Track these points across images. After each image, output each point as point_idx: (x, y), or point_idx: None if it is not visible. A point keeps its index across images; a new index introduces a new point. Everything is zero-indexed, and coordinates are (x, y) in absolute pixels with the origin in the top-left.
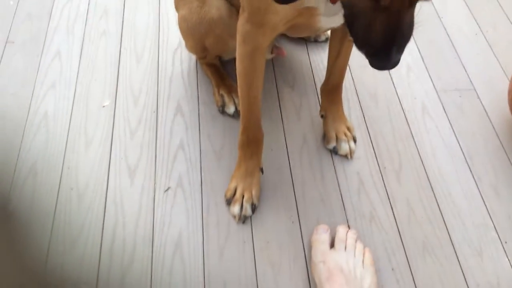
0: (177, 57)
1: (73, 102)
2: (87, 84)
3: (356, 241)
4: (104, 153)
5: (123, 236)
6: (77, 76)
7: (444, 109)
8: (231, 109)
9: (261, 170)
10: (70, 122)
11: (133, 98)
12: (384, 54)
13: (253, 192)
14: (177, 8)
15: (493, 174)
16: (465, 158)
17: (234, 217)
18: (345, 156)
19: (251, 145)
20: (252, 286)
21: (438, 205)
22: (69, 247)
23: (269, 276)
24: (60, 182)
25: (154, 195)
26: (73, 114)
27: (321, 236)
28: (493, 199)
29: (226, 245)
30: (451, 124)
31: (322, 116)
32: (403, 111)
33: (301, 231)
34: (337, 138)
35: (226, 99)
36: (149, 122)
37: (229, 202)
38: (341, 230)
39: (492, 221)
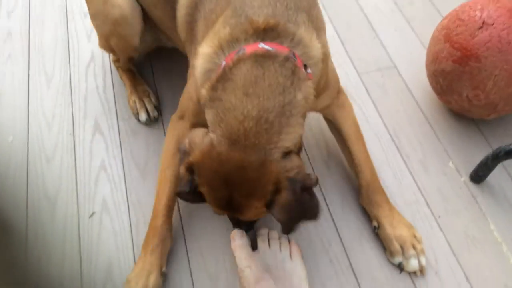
0: (90, 72)
1: None
2: None
3: (279, 238)
4: (21, 184)
5: (48, 272)
6: None
7: (367, 91)
8: (142, 116)
9: (163, 273)
10: None
11: (46, 122)
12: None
13: None
14: (86, 3)
15: (420, 149)
16: (392, 138)
17: None
18: (413, 273)
19: (154, 238)
20: None
21: None
22: None
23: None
24: None
25: (79, 223)
26: None
27: (240, 242)
28: (422, 175)
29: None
30: (375, 106)
31: (376, 228)
32: None
33: None
34: (403, 251)
35: (138, 105)
36: (66, 146)
37: None
38: (262, 231)
39: (424, 197)
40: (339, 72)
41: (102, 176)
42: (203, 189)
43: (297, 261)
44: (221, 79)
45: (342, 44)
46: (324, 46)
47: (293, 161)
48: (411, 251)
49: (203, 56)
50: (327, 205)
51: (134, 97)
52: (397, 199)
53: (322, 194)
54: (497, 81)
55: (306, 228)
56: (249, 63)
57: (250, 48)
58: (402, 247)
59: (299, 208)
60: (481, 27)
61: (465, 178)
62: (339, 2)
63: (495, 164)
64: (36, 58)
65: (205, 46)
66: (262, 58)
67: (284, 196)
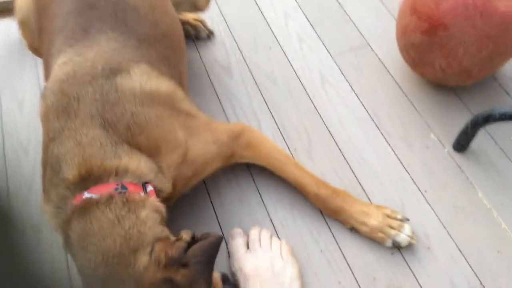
0: None
1: None
2: None
3: (270, 237)
4: (1, 213)
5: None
6: None
7: (342, 73)
8: None
9: None
10: None
11: (23, 149)
12: None
13: None
14: None
15: (401, 125)
16: (371, 117)
17: None
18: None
19: None
20: None
21: (353, 172)
22: None
23: None
24: None
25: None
26: None
27: (237, 241)
28: (405, 151)
29: None
30: (351, 86)
31: (352, 229)
32: (303, 85)
33: (224, 237)
34: (387, 236)
35: None
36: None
37: None
38: (253, 232)
39: (409, 173)
40: (313, 56)
41: None
42: None
43: (288, 260)
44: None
45: (313, 28)
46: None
47: (156, 254)
48: (392, 232)
49: (49, 214)
50: None
51: None
52: (383, 179)
53: None
54: (467, 48)
55: (294, 220)
56: (75, 220)
57: (77, 199)
58: (383, 233)
59: (201, 259)
60: None
61: (449, 148)
62: None
63: (475, 131)
64: (5, 84)
65: (45, 202)
66: (84, 209)
67: (180, 278)
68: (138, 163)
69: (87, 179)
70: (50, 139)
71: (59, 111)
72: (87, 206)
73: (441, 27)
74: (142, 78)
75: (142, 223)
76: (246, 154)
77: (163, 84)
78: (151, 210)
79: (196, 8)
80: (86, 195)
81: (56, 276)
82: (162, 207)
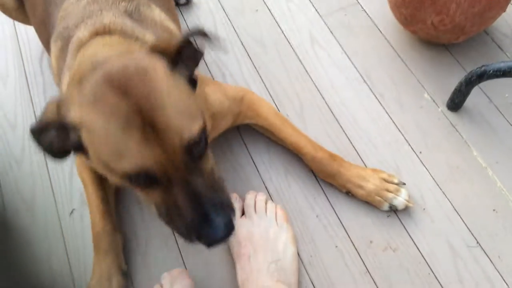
0: (44, 64)
1: None
2: None
3: (266, 203)
4: None
5: (38, 272)
6: None
7: (332, 33)
8: None
9: (124, 273)
10: None
11: (9, 124)
12: (208, 226)
13: None
14: None
15: (394, 86)
16: (363, 78)
17: None
18: (407, 207)
19: (102, 241)
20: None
21: (346, 135)
22: None
23: (198, 264)
24: None
25: (60, 222)
26: None
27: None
28: (398, 112)
29: (148, 248)
30: (342, 48)
31: (348, 193)
32: (292, 48)
33: None
34: (384, 199)
35: None
36: (33, 146)
37: None
38: (249, 197)
39: (403, 135)
40: (301, 17)
41: (75, 171)
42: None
43: (283, 225)
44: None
45: None
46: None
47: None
48: (389, 195)
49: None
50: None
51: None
52: (376, 142)
53: None
54: (460, 3)
55: (289, 186)
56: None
57: None
58: (380, 196)
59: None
60: None
61: (442, 107)
62: None
63: (470, 89)
64: None
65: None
66: None
67: (169, 47)
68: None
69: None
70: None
71: (79, 22)
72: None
73: None
74: (161, 15)
75: None
76: (250, 114)
77: (176, 31)
78: None
79: None
80: None
81: (54, 255)
82: None
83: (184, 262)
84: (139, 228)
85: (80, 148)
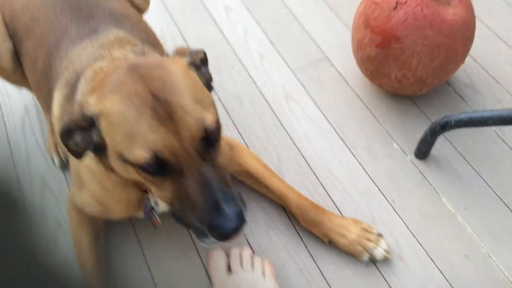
0: (27, 127)
1: None
2: None
3: (251, 257)
4: None
5: None
6: None
7: (304, 88)
8: (55, 161)
9: None
10: None
11: None
12: (220, 216)
13: None
14: None
15: (364, 136)
16: (335, 130)
17: None
18: (386, 258)
19: None
20: None
21: (323, 186)
22: None
23: None
24: None
25: None
26: None
27: (217, 262)
28: (370, 162)
29: None
30: (314, 101)
31: (330, 243)
32: (268, 103)
33: (204, 267)
34: (365, 249)
35: (52, 148)
36: None
37: None
38: (234, 251)
39: (376, 185)
40: (274, 73)
41: (59, 236)
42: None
43: (271, 279)
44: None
45: (272, 44)
46: None
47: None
48: (370, 245)
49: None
50: (287, 214)
51: (50, 140)
52: (351, 192)
53: (281, 205)
54: (420, 58)
55: (270, 240)
56: None
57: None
58: (361, 246)
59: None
60: (395, 8)
61: (411, 156)
62: (261, 1)
63: (434, 138)
64: None
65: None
66: None
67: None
68: None
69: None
70: None
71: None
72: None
73: (394, 39)
74: None
75: None
76: (238, 160)
77: None
78: None
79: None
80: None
81: None
82: None
83: None
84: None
85: (100, 147)
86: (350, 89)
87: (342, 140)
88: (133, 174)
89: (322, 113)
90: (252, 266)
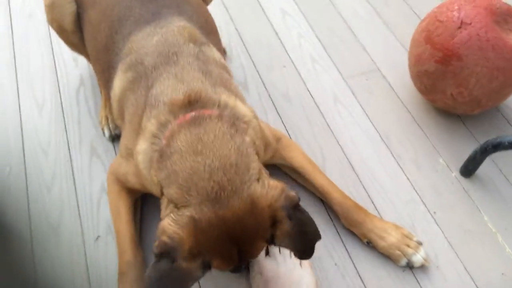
0: (81, 96)
1: None
2: None
3: None
4: (23, 214)
5: None
6: None
7: (354, 95)
8: (105, 133)
9: None
10: None
11: (43, 151)
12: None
13: None
14: None
15: (411, 148)
16: (382, 139)
17: None
18: (423, 265)
19: (130, 272)
20: None
21: (365, 190)
22: None
23: None
24: None
25: (85, 248)
26: None
27: None
28: (415, 173)
29: None
30: (363, 108)
31: (368, 243)
32: (316, 104)
33: None
34: (403, 253)
35: (103, 121)
36: (64, 173)
37: None
38: None
39: (419, 195)
40: (325, 77)
41: (104, 199)
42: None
43: (307, 270)
44: (164, 157)
45: (325, 49)
46: (249, 109)
47: (272, 186)
48: (409, 251)
49: (142, 152)
50: (326, 210)
51: (103, 113)
52: (394, 199)
53: (322, 201)
54: (479, 78)
55: None
56: (185, 129)
57: (183, 118)
58: (400, 251)
59: (301, 228)
60: (459, 27)
61: (456, 173)
62: (317, 9)
63: (483, 157)
64: (25, 87)
65: (140, 144)
66: (196, 120)
67: (285, 227)
68: (235, 102)
69: (194, 104)
70: (148, 88)
71: (157, 64)
72: (199, 118)
73: (455, 57)
74: (218, 54)
75: (249, 146)
76: (284, 154)
77: (230, 70)
78: (251, 138)
79: None
80: (193, 113)
81: (77, 280)
82: (258, 140)
83: None
84: None
85: None
86: (400, 102)
87: (389, 148)
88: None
89: (370, 120)
90: (290, 254)
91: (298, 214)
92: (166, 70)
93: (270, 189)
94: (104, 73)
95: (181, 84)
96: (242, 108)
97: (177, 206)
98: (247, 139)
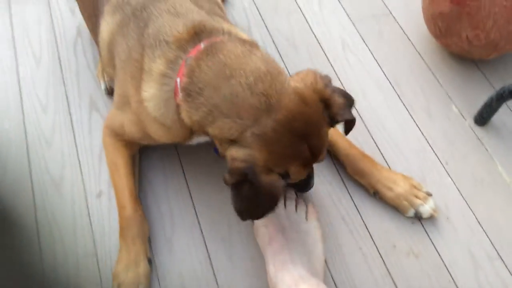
0: (78, 48)
1: None
2: None
3: (296, 200)
4: (23, 169)
5: (64, 252)
6: None
7: (363, 40)
8: (102, 85)
9: (149, 260)
10: None
11: (41, 104)
12: (306, 189)
13: None
14: None
15: (422, 96)
16: (393, 87)
17: None
18: (432, 216)
19: (131, 227)
20: (208, 268)
21: (374, 140)
22: (12, 274)
23: (221, 252)
24: None
25: (87, 203)
26: None
27: None
28: (426, 122)
29: (173, 235)
30: (373, 55)
31: (375, 194)
32: (323, 51)
33: None
34: (411, 204)
35: (100, 73)
36: (64, 126)
37: None
38: None
39: (430, 144)
40: (333, 21)
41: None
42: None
43: (313, 222)
44: (194, 95)
45: None
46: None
47: (304, 74)
48: (417, 201)
49: (152, 98)
50: (332, 161)
51: (100, 65)
52: (404, 149)
53: (328, 152)
54: (496, 19)
55: (315, 187)
56: (204, 60)
57: (194, 51)
58: (408, 201)
59: (347, 96)
60: None
61: (469, 121)
62: None
63: (500, 104)
64: (21, 40)
65: (147, 89)
66: (210, 48)
67: (337, 100)
68: (236, 30)
69: (200, 35)
70: (141, 28)
71: (145, 2)
72: (213, 46)
73: None
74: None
75: (268, 55)
76: None
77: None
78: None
79: None
80: (204, 44)
81: (80, 235)
82: None
83: (207, 249)
84: (164, 216)
85: None
86: (412, 47)
87: (399, 96)
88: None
89: (380, 67)
90: (296, 208)
91: (336, 88)
92: (156, 7)
93: (305, 78)
94: (91, 18)
95: (177, 18)
96: (245, 35)
97: (232, 136)
98: (263, 51)
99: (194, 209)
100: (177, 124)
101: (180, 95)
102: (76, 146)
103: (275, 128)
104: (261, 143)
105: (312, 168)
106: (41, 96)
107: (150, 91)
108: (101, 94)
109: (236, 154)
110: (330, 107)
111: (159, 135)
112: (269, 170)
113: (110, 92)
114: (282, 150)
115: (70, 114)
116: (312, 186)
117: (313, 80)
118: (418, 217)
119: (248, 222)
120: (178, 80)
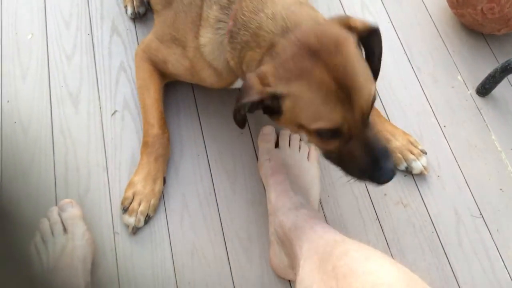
0: None
1: (1, 33)
2: (13, 11)
3: (300, 140)
4: (42, 82)
5: (76, 165)
6: (1, 3)
7: (382, 3)
8: (128, 10)
9: (164, 179)
10: (1, 54)
11: (64, 22)
12: (379, 170)
13: (152, 202)
14: None
15: (431, 62)
16: (404, 50)
17: (127, 226)
18: (422, 173)
19: (157, 146)
20: (210, 193)
21: (380, 98)
22: (22, 181)
23: (225, 184)
24: (1, 117)
25: (102, 120)
26: (3, 45)
27: (267, 136)
28: (431, 86)
29: (181, 160)
30: (390, 18)
31: None
32: (343, 8)
33: (252, 139)
34: (404, 158)
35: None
36: (85, 46)
37: (125, 210)
38: (284, 132)
39: (431, 108)
40: None
41: (122, 76)
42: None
43: (313, 163)
44: (234, 36)
45: None
46: None
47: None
48: (410, 156)
49: (208, 43)
50: None
51: None
52: (406, 108)
53: None
54: None
55: None
56: (245, 1)
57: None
58: (402, 155)
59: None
60: None
61: (472, 91)
62: None
63: (503, 76)
64: None
65: (204, 34)
66: None
67: (359, 21)
68: None
69: None
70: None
71: None
72: None
73: None
74: None
75: None
76: None
77: None
78: None
79: None
80: None
81: (92, 150)
82: None
83: (212, 178)
84: (174, 143)
85: (274, 112)
86: (428, 15)
87: (409, 59)
88: (303, 133)
89: (395, 30)
90: (299, 148)
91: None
92: None
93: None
94: None
95: None
96: None
97: (253, 67)
98: None
99: (203, 140)
100: (227, 68)
101: (227, 37)
102: (95, 65)
103: (284, 45)
104: (269, 60)
105: (360, 124)
106: (64, 13)
107: (206, 35)
108: (123, 20)
109: (265, 74)
110: (353, 29)
111: (211, 80)
112: (267, 85)
113: (136, 17)
114: (289, 65)
115: (92, 35)
116: (388, 174)
117: (338, 16)
118: (409, 171)
119: (253, 156)
120: (231, 23)
